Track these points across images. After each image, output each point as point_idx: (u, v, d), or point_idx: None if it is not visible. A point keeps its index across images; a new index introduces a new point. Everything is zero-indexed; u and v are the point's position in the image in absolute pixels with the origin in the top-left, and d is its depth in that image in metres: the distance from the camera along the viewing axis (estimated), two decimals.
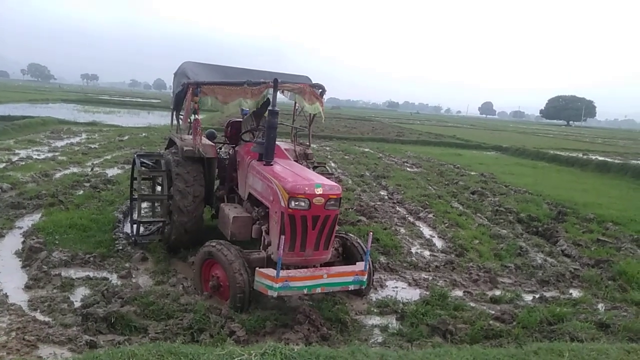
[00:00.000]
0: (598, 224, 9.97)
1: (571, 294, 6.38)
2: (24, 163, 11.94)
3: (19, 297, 4.96)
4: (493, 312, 5.46)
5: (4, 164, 11.59)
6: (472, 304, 5.72)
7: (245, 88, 5.90)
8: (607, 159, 22.95)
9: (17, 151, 13.93)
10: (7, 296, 4.91)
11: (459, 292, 6.14)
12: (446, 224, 9.29)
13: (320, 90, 6.55)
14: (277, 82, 5.49)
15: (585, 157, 24.29)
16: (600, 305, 5.97)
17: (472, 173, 16.64)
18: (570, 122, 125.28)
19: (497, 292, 6.20)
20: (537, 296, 6.13)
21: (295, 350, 3.58)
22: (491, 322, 5.11)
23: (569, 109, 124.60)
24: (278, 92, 5.62)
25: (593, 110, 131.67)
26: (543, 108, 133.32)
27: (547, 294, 6.22)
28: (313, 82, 6.63)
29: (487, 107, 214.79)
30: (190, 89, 5.83)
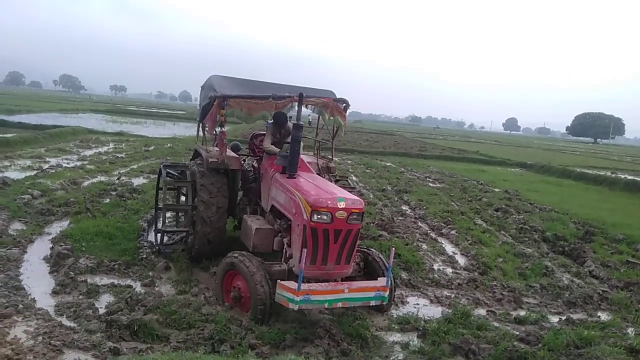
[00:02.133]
0: (627, 244, 9.69)
1: (599, 316, 6.20)
2: (54, 171, 12.30)
3: (46, 302, 5.09)
4: (517, 332, 5.34)
5: (35, 172, 11.95)
6: (496, 324, 5.60)
7: (270, 102, 5.99)
8: (636, 178, 22.28)
9: (47, 159, 14.37)
10: (35, 301, 5.04)
11: (482, 311, 6.03)
12: (469, 241, 9.15)
13: (344, 105, 6.60)
14: (302, 96, 5.56)
15: (613, 175, 23.68)
16: (630, 330, 5.78)
17: (496, 190, 16.40)
18: (598, 140, 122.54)
19: (522, 313, 6.07)
20: (563, 318, 5.97)
21: None
22: (515, 343, 4.99)
23: (596, 126, 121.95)
24: (302, 106, 5.69)
25: (621, 127, 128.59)
26: (569, 125, 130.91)
27: (574, 316, 6.06)
28: (337, 96, 6.69)
29: (511, 123, 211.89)
30: (217, 102, 5.96)
